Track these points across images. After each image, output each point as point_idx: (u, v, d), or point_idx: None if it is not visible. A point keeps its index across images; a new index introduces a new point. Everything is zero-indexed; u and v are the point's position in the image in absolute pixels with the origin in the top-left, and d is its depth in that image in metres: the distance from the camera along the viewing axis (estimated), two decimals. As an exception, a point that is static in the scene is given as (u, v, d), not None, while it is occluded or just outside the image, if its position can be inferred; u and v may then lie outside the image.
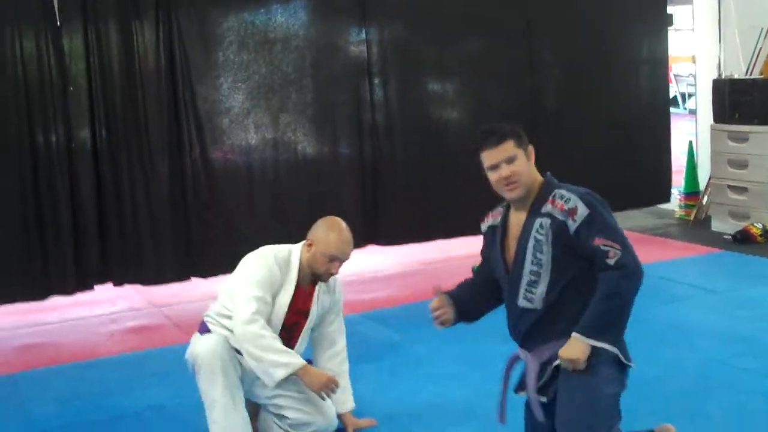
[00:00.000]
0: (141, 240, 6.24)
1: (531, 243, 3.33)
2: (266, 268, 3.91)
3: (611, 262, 3.20)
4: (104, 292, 6.56)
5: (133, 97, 6.13)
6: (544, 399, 3.40)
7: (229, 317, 3.90)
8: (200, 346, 3.93)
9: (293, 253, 4.01)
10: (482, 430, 4.15)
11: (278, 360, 3.75)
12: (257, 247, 6.43)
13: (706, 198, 8.70)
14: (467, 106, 7.56)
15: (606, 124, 7.95)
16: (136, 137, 6.17)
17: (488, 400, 4.27)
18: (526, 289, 3.37)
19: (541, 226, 3.31)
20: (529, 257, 3.34)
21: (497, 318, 5.65)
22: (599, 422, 3.25)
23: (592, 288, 3.25)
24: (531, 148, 3.44)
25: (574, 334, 3.24)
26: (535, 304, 3.36)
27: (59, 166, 5.95)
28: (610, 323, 3.25)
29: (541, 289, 3.34)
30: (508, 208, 3.50)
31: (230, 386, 3.88)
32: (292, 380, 3.95)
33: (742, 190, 8.03)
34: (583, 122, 7.84)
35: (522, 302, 3.39)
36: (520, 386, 3.59)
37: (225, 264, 6.53)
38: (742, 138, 7.96)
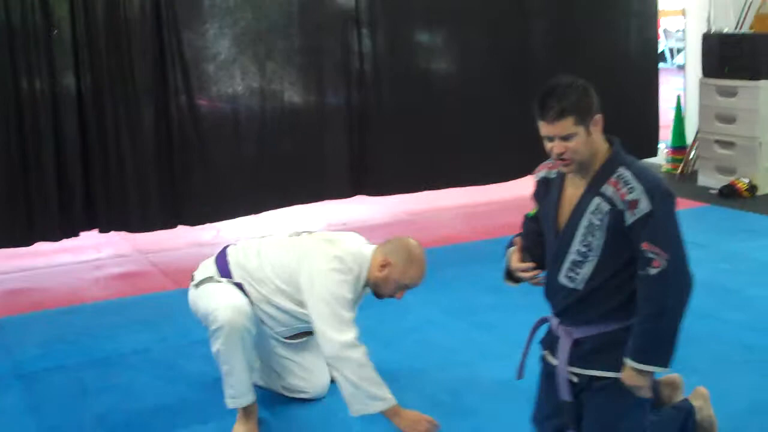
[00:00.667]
0: (127, 187, 6.19)
1: (584, 223, 3.08)
2: (352, 289, 3.68)
3: (653, 272, 2.96)
4: (90, 238, 6.54)
5: (117, 42, 6.04)
6: (575, 379, 3.20)
7: (278, 292, 3.79)
8: (226, 310, 3.69)
9: (363, 268, 3.77)
10: (466, 376, 4.17)
11: (377, 393, 3.55)
12: (243, 198, 6.52)
13: (693, 152, 8.71)
14: (456, 56, 7.50)
15: (594, 77, 7.72)
16: (121, 83, 6.09)
17: (471, 348, 4.31)
18: (569, 268, 3.14)
19: (597, 208, 3.05)
20: (579, 236, 3.09)
21: (481, 269, 5.70)
22: None
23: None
24: (596, 119, 3.07)
25: (626, 360, 3.02)
26: (576, 285, 3.14)
27: (43, 112, 5.87)
28: (662, 345, 3.01)
29: (586, 270, 3.10)
30: None
31: (249, 352, 3.75)
32: (301, 347, 3.98)
33: (729, 145, 8.04)
34: (571, 74, 7.78)
35: (563, 280, 3.16)
36: (549, 347, 3.36)
37: (211, 212, 6.55)
38: (730, 92, 7.96)
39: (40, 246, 6.16)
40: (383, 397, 3.55)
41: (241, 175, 6.58)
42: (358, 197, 7.22)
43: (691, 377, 4.03)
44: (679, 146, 8.92)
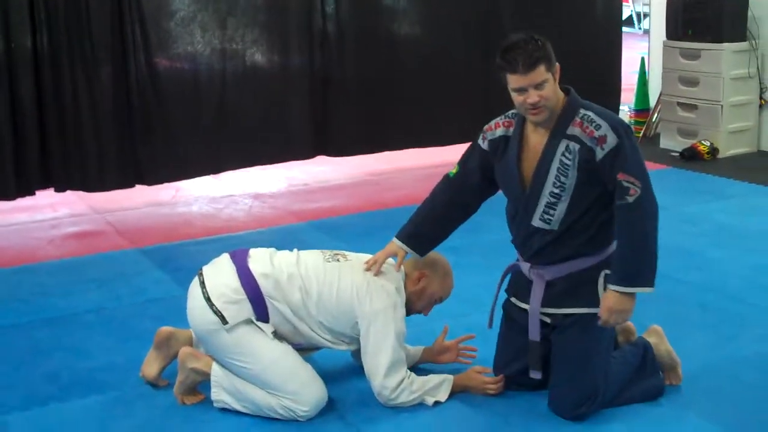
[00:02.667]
0: (84, 146, 6.08)
1: (555, 165, 3.28)
2: (402, 322, 3.56)
3: (630, 200, 3.18)
4: (46, 197, 6.48)
5: (74, -3, 5.95)
6: (548, 319, 3.44)
7: (319, 327, 3.55)
8: (311, 395, 3.48)
9: (400, 291, 3.61)
10: (422, 336, 4.14)
11: (433, 382, 3.57)
12: (202, 158, 6.43)
13: (656, 115, 8.71)
14: (420, 18, 7.40)
15: (558, 39, 7.71)
16: (78, 40, 5.96)
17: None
18: (543, 210, 3.34)
19: (568, 149, 3.27)
20: (551, 179, 3.30)
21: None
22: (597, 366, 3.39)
23: (610, 214, 3.29)
24: (558, 67, 3.29)
25: (612, 288, 3.25)
26: (551, 225, 3.35)
27: (-2, 71, 5.79)
28: (645, 265, 3.24)
29: (560, 210, 3.32)
30: (522, 120, 3.41)
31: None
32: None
33: (691, 107, 8.04)
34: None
35: (537, 222, 3.36)
36: (515, 294, 3.61)
37: (169, 172, 6.48)
38: (693, 55, 7.95)
39: (-4, 205, 6.10)
40: (441, 381, 3.58)
41: (201, 135, 6.49)
42: (320, 158, 7.16)
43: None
44: (642, 109, 8.91)
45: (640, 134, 8.71)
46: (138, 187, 6.42)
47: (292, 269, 3.55)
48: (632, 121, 8.92)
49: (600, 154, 3.21)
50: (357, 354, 3.74)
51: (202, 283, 3.52)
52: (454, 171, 3.63)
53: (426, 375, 3.63)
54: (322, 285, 3.53)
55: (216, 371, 3.55)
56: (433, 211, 3.65)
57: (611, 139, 3.20)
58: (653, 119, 8.74)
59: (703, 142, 7.82)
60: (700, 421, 3.42)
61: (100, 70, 6.07)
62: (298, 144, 6.96)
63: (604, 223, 3.34)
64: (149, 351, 3.79)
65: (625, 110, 8.94)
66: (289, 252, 3.68)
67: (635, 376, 3.53)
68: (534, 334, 3.45)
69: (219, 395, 3.56)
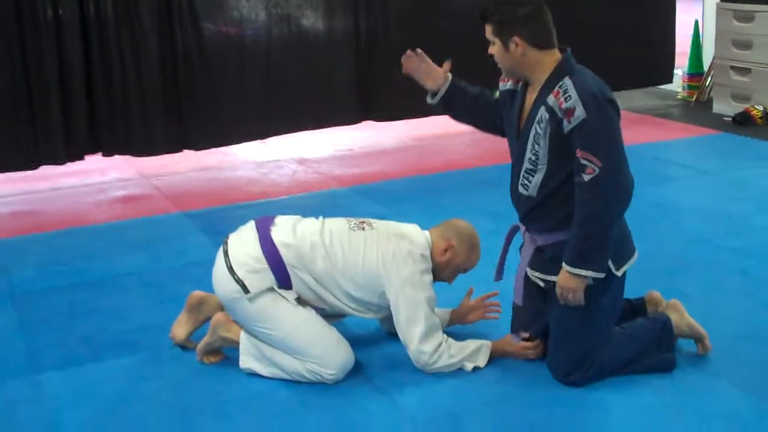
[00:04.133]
0: (131, 111, 6.16)
1: (532, 132, 3.26)
2: (431, 288, 3.56)
3: (586, 178, 3.11)
4: (96, 162, 6.57)
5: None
6: (541, 284, 3.42)
7: (346, 297, 3.55)
8: (337, 356, 3.49)
9: (426, 258, 3.60)
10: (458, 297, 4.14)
11: (471, 347, 3.56)
12: (248, 123, 6.46)
13: (709, 79, 8.56)
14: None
15: (610, 1, 7.77)
16: (125, 6, 6.03)
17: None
18: (524, 176, 3.34)
19: (541, 117, 3.22)
20: (529, 145, 3.28)
21: (484, 194, 5.69)
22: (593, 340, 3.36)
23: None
24: (517, 41, 3.23)
25: (563, 265, 3.22)
26: (530, 192, 3.33)
27: (47, 39, 5.81)
28: (593, 249, 3.17)
29: (537, 178, 3.30)
30: None
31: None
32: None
33: (745, 71, 7.88)
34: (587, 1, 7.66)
35: (520, 188, 3.37)
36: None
37: (216, 137, 6.54)
38: (747, 17, 7.78)
39: (47, 170, 6.21)
40: (479, 346, 3.56)
41: (247, 100, 6.54)
42: (365, 123, 7.16)
43: (683, 304, 4.01)
44: (695, 72, 8.76)
45: (693, 99, 8.58)
46: (186, 152, 6.49)
47: (315, 238, 3.54)
48: (685, 85, 8.80)
49: (567, 127, 3.14)
50: (385, 321, 3.76)
51: (226, 252, 3.55)
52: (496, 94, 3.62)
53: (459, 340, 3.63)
54: (347, 254, 3.52)
55: (244, 339, 3.58)
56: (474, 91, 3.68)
57: (579, 113, 3.10)
58: (707, 83, 8.59)
59: (756, 106, 7.67)
60: (731, 388, 3.38)
61: (147, 37, 6.14)
62: (344, 109, 6.98)
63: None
64: (180, 313, 3.85)
65: (679, 74, 8.80)
66: (314, 219, 3.67)
67: (647, 349, 3.47)
68: (518, 297, 3.47)
69: (247, 363, 3.59)
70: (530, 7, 3.26)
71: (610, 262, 3.24)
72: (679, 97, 8.84)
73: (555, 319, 3.41)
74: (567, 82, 3.17)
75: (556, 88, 3.18)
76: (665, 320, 3.53)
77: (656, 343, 3.48)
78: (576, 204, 3.17)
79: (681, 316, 3.58)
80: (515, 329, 3.57)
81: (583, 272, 3.18)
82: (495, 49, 3.29)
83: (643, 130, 7.58)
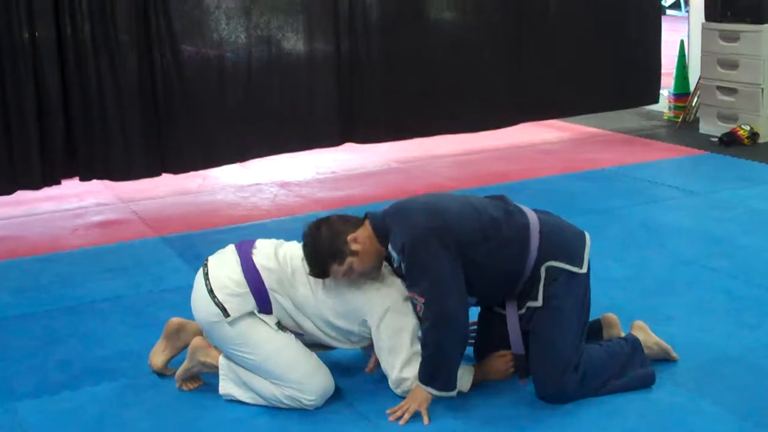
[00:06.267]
0: (109, 135, 6.08)
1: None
2: (413, 315, 3.46)
3: (420, 314, 3.33)
4: (73, 187, 6.49)
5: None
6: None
7: (326, 325, 3.49)
8: (316, 384, 3.44)
9: None
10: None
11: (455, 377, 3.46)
12: (228, 146, 6.40)
13: (695, 100, 8.53)
14: (449, 3, 7.35)
15: (595, 22, 7.74)
16: (103, 29, 5.96)
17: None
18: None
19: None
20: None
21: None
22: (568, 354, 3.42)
23: (496, 265, 3.39)
24: (358, 239, 3.35)
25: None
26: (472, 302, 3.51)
27: (23, 60, 5.75)
28: (434, 372, 3.31)
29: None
30: None
31: None
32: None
33: (731, 91, 7.85)
34: (571, 19, 7.60)
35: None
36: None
37: (196, 160, 6.46)
38: (733, 37, 7.76)
39: (23, 194, 6.11)
40: (461, 377, 3.46)
41: (227, 123, 6.47)
42: (348, 145, 7.10)
43: (668, 325, 3.99)
44: (681, 93, 8.72)
45: (679, 119, 8.55)
46: (165, 176, 6.41)
47: (297, 263, 3.47)
48: (672, 106, 8.77)
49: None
50: (366, 349, 3.68)
51: (206, 275, 3.47)
52: None
53: None
54: (328, 280, 3.44)
55: (223, 365, 3.51)
56: None
57: (396, 255, 3.36)
58: (693, 103, 8.56)
59: (743, 126, 7.63)
60: (716, 409, 3.34)
61: (125, 59, 6.07)
62: (325, 131, 6.91)
63: (505, 270, 3.43)
64: (158, 341, 3.77)
65: (665, 94, 8.78)
66: (296, 243, 3.58)
67: (625, 366, 3.51)
68: (517, 347, 3.51)
69: (226, 389, 3.52)
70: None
71: (568, 265, 3.40)
72: (665, 117, 8.79)
73: (532, 335, 3.46)
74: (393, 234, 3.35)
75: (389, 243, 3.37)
76: (634, 340, 3.60)
77: (631, 360, 3.53)
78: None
79: (647, 335, 3.68)
80: (522, 376, 3.55)
81: (432, 391, 3.32)
82: (355, 266, 3.37)
83: (629, 151, 7.55)
